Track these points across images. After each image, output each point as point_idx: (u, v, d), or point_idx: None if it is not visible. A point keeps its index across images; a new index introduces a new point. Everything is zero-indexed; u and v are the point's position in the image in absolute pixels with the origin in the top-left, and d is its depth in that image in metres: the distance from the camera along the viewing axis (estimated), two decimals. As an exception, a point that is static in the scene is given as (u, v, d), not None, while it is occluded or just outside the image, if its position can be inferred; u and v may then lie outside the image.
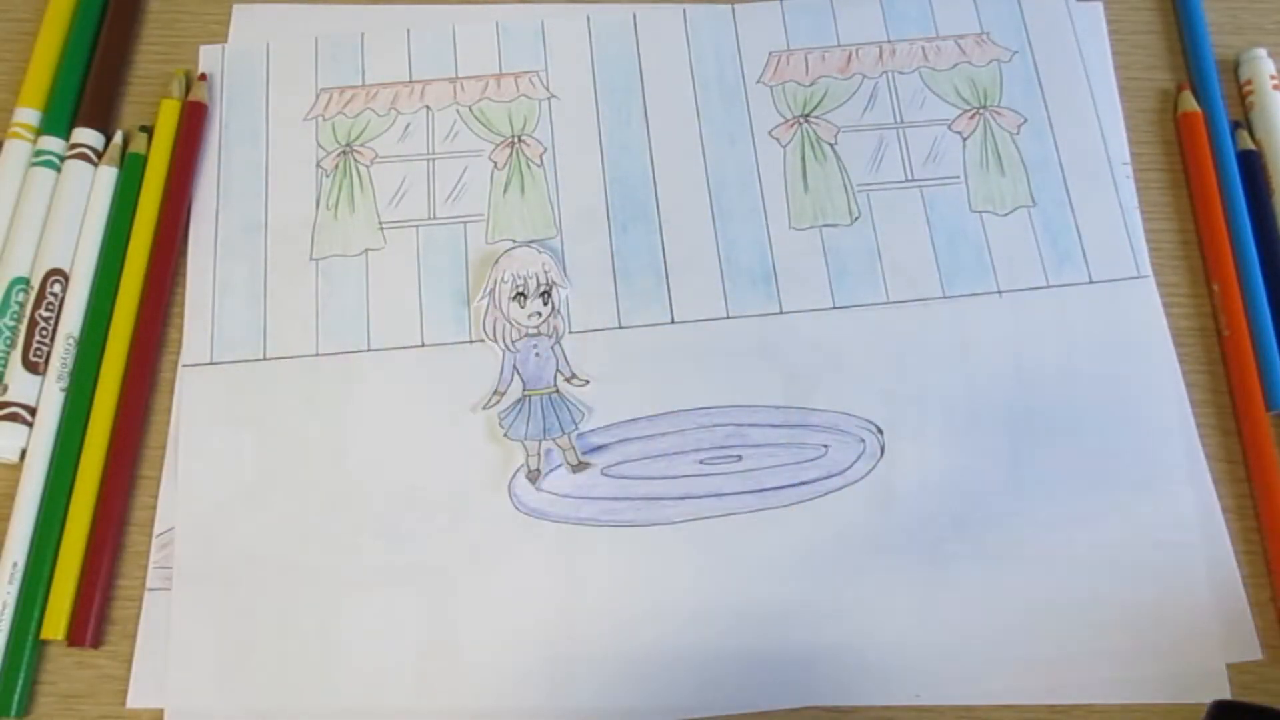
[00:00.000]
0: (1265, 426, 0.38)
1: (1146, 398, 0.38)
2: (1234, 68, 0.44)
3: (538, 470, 0.37)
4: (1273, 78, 0.42)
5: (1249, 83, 0.43)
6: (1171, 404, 0.38)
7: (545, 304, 0.39)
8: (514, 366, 0.38)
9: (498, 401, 0.38)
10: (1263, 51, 0.43)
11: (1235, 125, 0.42)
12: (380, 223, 0.41)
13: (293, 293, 0.40)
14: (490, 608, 0.36)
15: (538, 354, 0.38)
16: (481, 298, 0.39)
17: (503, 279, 0.39)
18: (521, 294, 0.39)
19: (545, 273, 0.39)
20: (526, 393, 0.38)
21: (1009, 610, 0.36)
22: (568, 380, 0.38)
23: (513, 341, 0.39)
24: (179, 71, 0.43)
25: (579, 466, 0.37)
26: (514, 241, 0.40)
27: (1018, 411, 0.38)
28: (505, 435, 0.37)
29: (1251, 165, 0.41)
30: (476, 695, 0.35)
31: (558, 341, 0.39)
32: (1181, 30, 0.44)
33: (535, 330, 0.39)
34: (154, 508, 0.37)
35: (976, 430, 0.38)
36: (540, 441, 0.37)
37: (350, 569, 0.36)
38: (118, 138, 0.42)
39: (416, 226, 0.41)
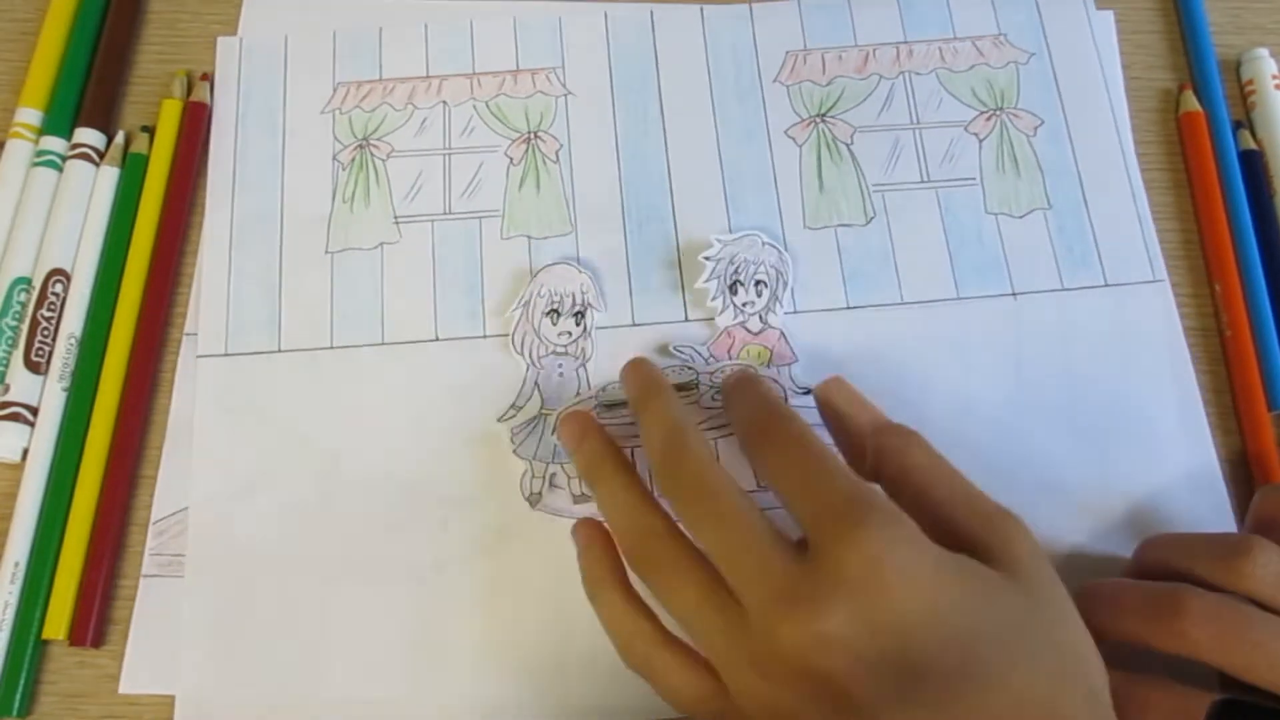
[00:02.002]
0: (1267, 426, 0.38)
1: (1160, 401, 0.38)
2: (1236, 68, 0.44)
3: (538, 494, 0.36)
4: (1274, 77, 0.42)
5: (1250, 82, 0.43)
6: (1186, 407, 0.38)
7: (577, 324, 0.38)
8: (535, 383, 0.38)
9: (514, 415, 0.37)
10: (1264, 51, 0.43)
11: (1237, 125, 0.42)
12: (395, 217, 0.41)
13: (307, 285, 0.40)
14: (488, 603, 0.35)
15: (561, 374, 0.38)
16: (515, 308, 0.38)
17: (539, 293, 0.38)
18: (555, 310, 0.38)
19: (583, 293, 0.38)
20: (543, 411, 0.37)
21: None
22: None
23: (538, 357, 0.38)
24: (180, 72, 0.43)
25: (581, 498, 0.36)
26: (530, 237, 0.40)
27: (1030, 413, 0.38)
28: (514, 451, 0.37)
29: (1253, 165, 0.41)
30: (473, 691, 0.35)
31: (583, 364, 0.38)
32: (1183, 30, 0.44)
33: (563, 349, 0.38)
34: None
35: (987, 432, 0.38)
36: (547, 464, 0.37)
37: (357, 560, 0.36)
38: (119, 138, 0.42)
39: (432, 221, 0.41)
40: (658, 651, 0.30)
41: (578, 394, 0.38)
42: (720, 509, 0.29)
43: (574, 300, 0.38)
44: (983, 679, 0.26)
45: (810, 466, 0.29)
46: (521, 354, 0.38)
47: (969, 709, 0.26)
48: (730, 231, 0.40)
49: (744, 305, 0.38)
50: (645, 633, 0.30)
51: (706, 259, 0.39)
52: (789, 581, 0.27)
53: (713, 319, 0.39)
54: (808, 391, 0.38)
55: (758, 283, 0.38)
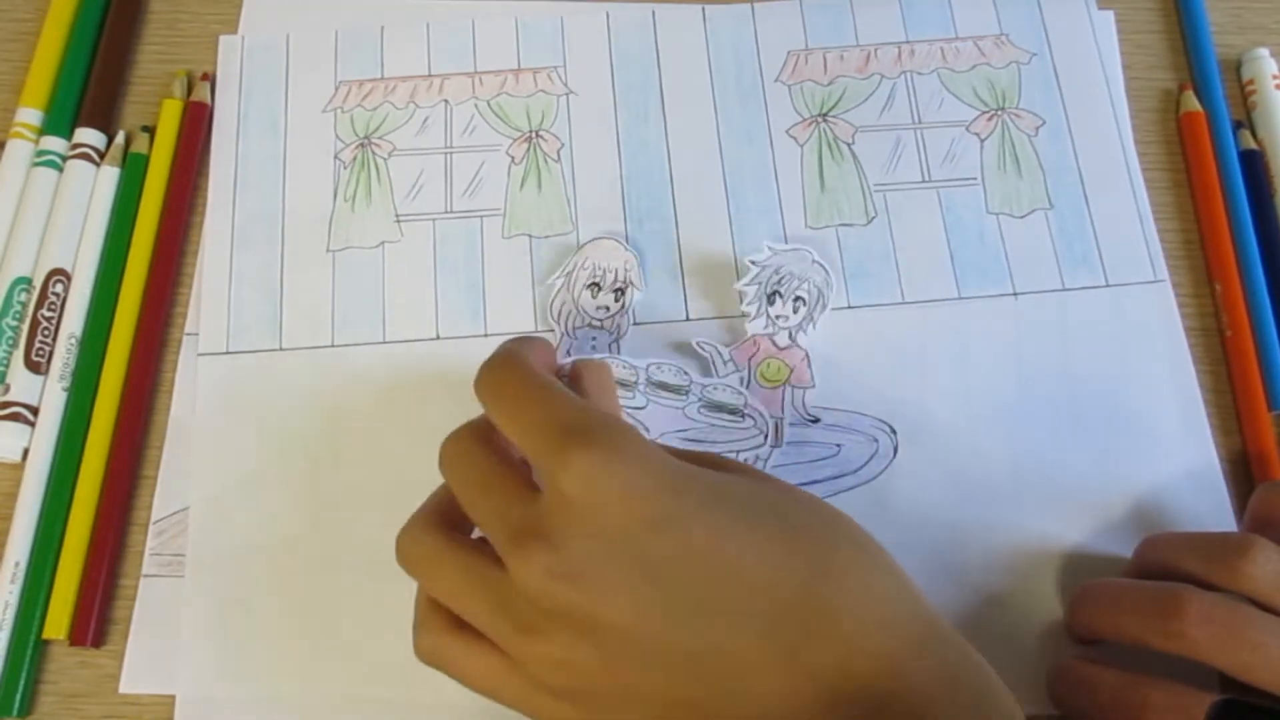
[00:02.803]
0: (1267, 427, 0.38)
1: (1160, 401, 0.38)
2: (1236, 67, 0.44)
3: None
4: (1275, 77, 0.42)
5: (1251, 82, 0.43)
6: (1186, 407, 0.38)
7: (616, 300, 0.38)
8: (568, 353, 0.38)
9: None
10: (1265, 51, 0.43)
11: (1237, 125, 0.42)
12: (397, 215, 0.41)
13: (309, 284, 0.40)
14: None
15: (594, 347, 0.38)
16: (557, 277, 0.39)
17: (583, 265, 0.39)
18: (596, 284, 0.38)
19: (626, 270, 0.39)
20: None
21: (1028, 616, 0.35)
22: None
23: (574, 328, 0.38)
24: (181, 72, 0.43)
25: None
26: (531, 236, 0.40)
27: (1030, 413, 0.38)
28: None
29: (1254, 165, 0.41)
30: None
31: (616, 340, 0.38)
32: (1184, 30, 0.44)
33: (599, 323, 0.38)
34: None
35: (987, 431, 0.38)
36: None
37: (357, 560, 0.36)
38: (120, 138, 0.42)
39: (433, 220, 0.41)
40: (445, 640, 0.29)
41: None
42: (475, 476, 0.29)
43: (616, 276, 0.39)
44: (734, 566, 0.26)
45: (533, 406, 0.28)
46: (557, 323, 0.38)
47: (735, 600, 0.26)
48: (730, 231, 0.40)
49: (777, 318, 0.38)
50: (431, 624, 0.29)
51: (753, 262, 0.38)
52: (520, 522, 0.27)
53: (713, 318, 0.39)
54: (816, 420, 0.38)
55: (796, 299, 0.38)
